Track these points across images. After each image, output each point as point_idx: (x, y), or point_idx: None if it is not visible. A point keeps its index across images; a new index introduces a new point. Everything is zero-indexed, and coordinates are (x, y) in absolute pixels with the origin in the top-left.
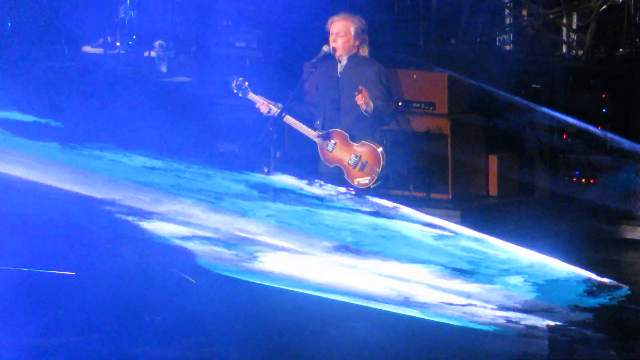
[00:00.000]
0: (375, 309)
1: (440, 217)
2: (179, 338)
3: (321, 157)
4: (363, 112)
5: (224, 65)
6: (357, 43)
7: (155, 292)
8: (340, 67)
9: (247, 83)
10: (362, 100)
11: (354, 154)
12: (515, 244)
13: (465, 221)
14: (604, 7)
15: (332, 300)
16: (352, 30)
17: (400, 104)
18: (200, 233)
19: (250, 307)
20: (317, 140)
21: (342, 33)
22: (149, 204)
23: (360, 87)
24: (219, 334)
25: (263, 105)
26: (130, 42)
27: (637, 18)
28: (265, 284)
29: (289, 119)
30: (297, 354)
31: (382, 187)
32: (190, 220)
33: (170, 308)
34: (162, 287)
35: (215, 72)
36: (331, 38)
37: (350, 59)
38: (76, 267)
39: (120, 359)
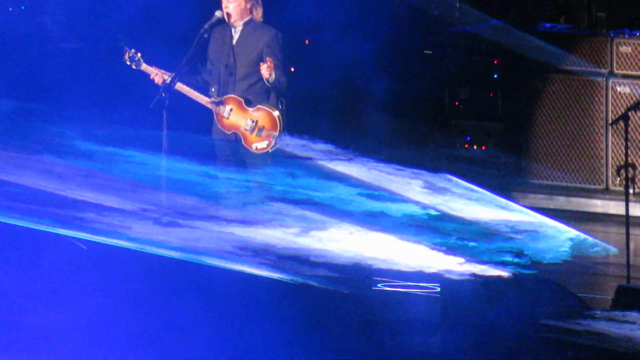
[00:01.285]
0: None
1: None
2: None
3: (217, 124)
4: (265, 81)
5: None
6: (249, 6)
7: None
8: (234, 33)
9: (139, 54)
10: (267, 70)
11: (250, 119)
12: None
13: None
14: None
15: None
16: None
17: (292, 69)
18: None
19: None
20: (211, 106)
21: None
22: None
23: (267, 59)
24: None
25: (157, 76)
26: (23, 7)
27: None
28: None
29: (181, 87)
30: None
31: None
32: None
33: None
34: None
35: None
36: (223, 3)
37: (245, 24)
38: None
39: None
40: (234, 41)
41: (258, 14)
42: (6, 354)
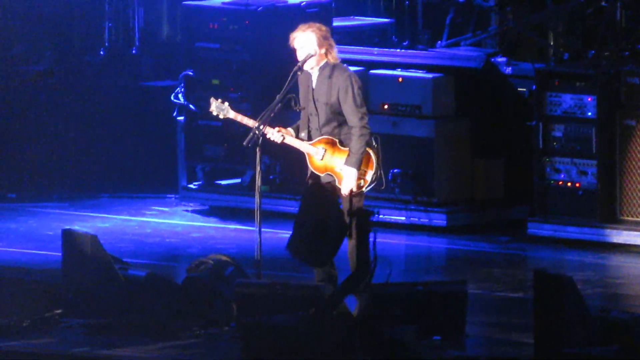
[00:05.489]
0: None
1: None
2: None
3: (310, 167)
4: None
5: None
6: (322, 51)
7: None
8: (313, 78)
9: (226, 103)
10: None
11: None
12: None
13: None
14: (589, 9)
15: None
16: (314, 39)
17: (385, 106)
18: None
19: None
20: (303, 150)
21: (305, 46)
22: None
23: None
24: None
25: (244, 119)
26: None
27: (622, 21)
28: None
29: (269, 131)
30: None
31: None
32: None
33: None
34: None
35: None
36: (297, 54)
37: (321, 68)
38: None
39: None
40: (314, 86)
41: (333, 56)
42: None
